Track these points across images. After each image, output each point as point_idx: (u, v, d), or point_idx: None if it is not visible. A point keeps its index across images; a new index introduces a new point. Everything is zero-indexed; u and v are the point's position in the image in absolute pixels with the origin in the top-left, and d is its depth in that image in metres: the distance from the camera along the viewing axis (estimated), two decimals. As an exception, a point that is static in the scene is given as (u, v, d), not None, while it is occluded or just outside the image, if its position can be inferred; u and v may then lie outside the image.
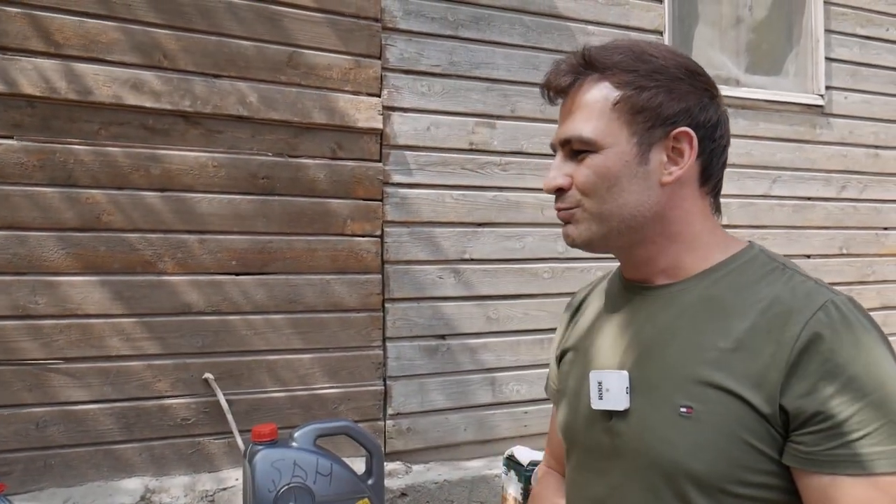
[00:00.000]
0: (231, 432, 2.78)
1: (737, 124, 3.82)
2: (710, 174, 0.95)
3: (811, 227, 4.04)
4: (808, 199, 4.04)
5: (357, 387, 3.04)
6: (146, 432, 2.71)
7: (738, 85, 3.92)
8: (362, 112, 3.03)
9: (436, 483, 2.98)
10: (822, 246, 4.07)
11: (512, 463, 2.02)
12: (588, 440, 0.99)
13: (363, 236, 3.05)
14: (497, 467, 3.08)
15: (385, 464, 2.97)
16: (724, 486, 0.83)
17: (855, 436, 0.78)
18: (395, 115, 3.13)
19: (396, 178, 3.13)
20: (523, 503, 1.93)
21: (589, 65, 0.93)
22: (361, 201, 3.05)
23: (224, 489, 2.70)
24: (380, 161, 3.09)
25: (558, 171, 0.95)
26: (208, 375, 2.78)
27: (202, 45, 2.79)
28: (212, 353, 2.80)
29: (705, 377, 0.85)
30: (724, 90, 3.84)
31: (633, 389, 0.92)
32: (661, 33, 3.69)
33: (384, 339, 3.10)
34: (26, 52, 2.55)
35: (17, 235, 2.55)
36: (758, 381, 0.82)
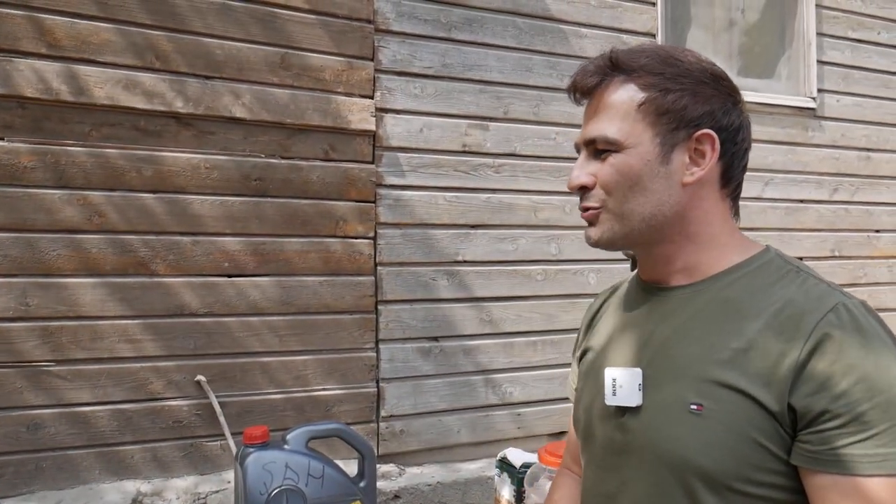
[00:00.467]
0: (223, 434, 2.77)
1: (729, 127, 3.82)
2: (731, 176, 0.97)
3: (803, 229, 4.06)
4: (801, 201, 4.06)
5: (350, 389, 3.03)
6: (138, 434, 2.70)
7: (730, 87, 3.93)
8: (355, 114, 3.03)
9: (429, 485, 2.98)
10: (814, 248, 4.09)
11: (505, 465, 2.02)
12: (601, 436, 1.00)
13: (356, 238, 3.05)
14: (490, 469, 3.08)
15: (378, 466, 2.97)
16: (732, 484, 0.84)
17: (861, 436, 0.78)
18: (388, 117, 3.13)
19: (389, 180, 3.13)
20: (516, 505, 1.93)
21: (616, 67, 0.95)
22: (354, 203, 3.05)
23: (216, 491, 2.69)
24: (373, 163, 3.09)
25: (581, 169, 0.97)
26: (200, 377, 2.77)
27: (194, 46, 2.79)
28: (204, 354, 2.79)
29: (717, 376, 0.86)
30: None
31: (645, 387, 0.93)
32: (653, 36, 3.71)
33: (377, 341, 3.09)
34: (17, 52, 2.53)
35: (8, 237, 2.53)
36: (768, 380, 0.83)
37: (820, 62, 4.11)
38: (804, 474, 0.82)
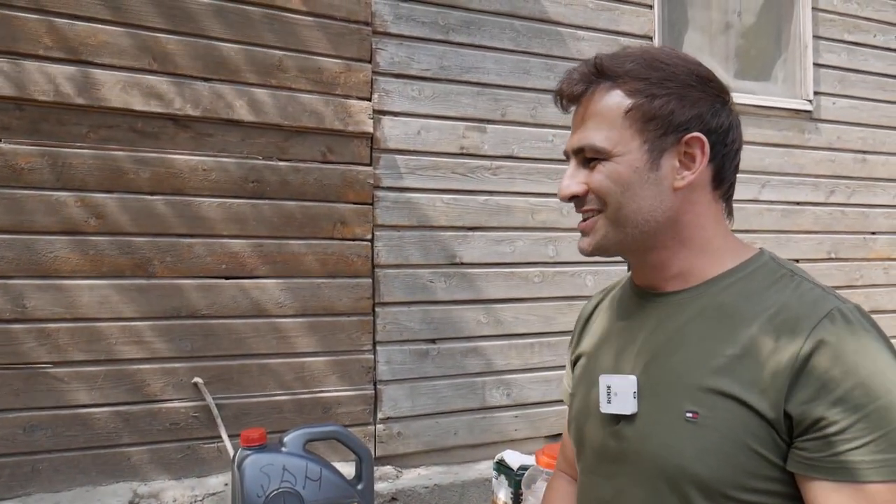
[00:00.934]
0: (220, 437, 2.77)
1: (726, 129, 3.83)
2: (723, 178, 0.96)
3: (800, 231, 4.07)
4: (797, 203, 4.07)
5: (347, 391, 3.03)
6: (135, 436, 2.69)
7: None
8: (353, 116, 3.03)
9: (426, 487, 2.98)
10: (811, 250, 4.10)
11: (502, 467, 2.02)
12: (596, 443, 1.00)
13: (354, 240, 3.05)
14: (488, 471, 3.08)
15: (376, 468, 2.96)
16: (727, 492, 0.83)
17: (857, 443, 0.78)
18: (386, 119, 3.13)
19: (387, 182, 3.13)
20: (513, 507, 1.93)
21: (601, 73, 0.94)
22: (352, 205, 3.05)
23: (213, 494, 2.69)
24: (370, 165, 3.09)
25: (572, 178, 0.96)
26: (197, 379, 2.76)
27: (192, 48, 2.79)
28: (202, 356, 2.79)
29: (712, 384, 0.86)
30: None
31: (640, 394, 0.93)
32: (650, 38, 3.71)
33: (374, 343, 3.09)
34: (14, 54, 2.53)
35: (5, 238, 2.53)
36: (763, 387, 0.83)
37: (816, 65, 4.12)
38: (801, 481, 0.82)
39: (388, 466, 3.08)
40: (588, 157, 0.94)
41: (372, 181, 3.09)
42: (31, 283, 2.56)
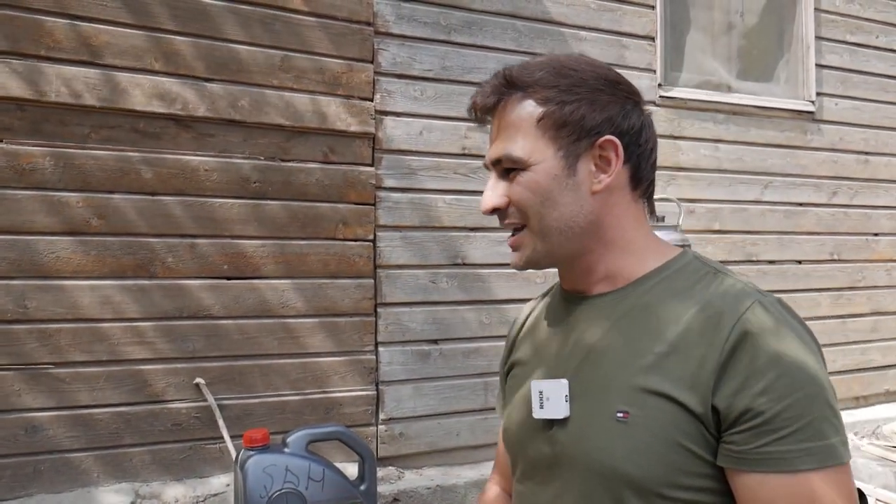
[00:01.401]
0: (222, 437, 2.77)
1: (728, 130, 3.84)
2: (641, 177, 0.97)
3: (802, 232, 4.06)
4: (800, 204, 4.06)
5: (349, 392, 3.03)
6: (137, 437, 2.69)
7: (729, 91, 3.94)
8: (355, 116, 3.03)
9: (428, 488, 2.97)
10: (813, 251, 4.09)
11: (504, 468, 2.01)
12: (531, 450, 1.00)
13: (355, 240, 3.05)
14: (490, 472, 3.07)
15: (377, 469, 2.96)
16: (661, 491, 0.84)
17: (783, 433, 0.79)
18: (388, 120, 3.13)
19: (389, 183, 3.13)
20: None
21: (511, 84, 0.95)
22: (354, 205, 3.05)
23: (215, 495, 2.68)
24: (372, 165, 3.09)
25: (493, 191, 0.97)
26: (199, 380, 2.76)
27: (194, 48, 2.79)
28: (203, 357, 2.79)
29: (641, 382, 0.86)
30: (716, 96, 3.86)
31: (572, 398, 0.93)
32: (652, 39, 3.71)
33: (376, 344, 3.09)
34: (17, 54, 2.53)
35: (6, 239, 2.53)
36: (691, 383, 0.83)
37: (818, 66, 4.12)
38: (730, 475, 0.82)
39: (391, 467, 3.07)
40: (507, 168, 0.95)
41: (374, 181, 3.09)
42: (32, 283, 2.56)
